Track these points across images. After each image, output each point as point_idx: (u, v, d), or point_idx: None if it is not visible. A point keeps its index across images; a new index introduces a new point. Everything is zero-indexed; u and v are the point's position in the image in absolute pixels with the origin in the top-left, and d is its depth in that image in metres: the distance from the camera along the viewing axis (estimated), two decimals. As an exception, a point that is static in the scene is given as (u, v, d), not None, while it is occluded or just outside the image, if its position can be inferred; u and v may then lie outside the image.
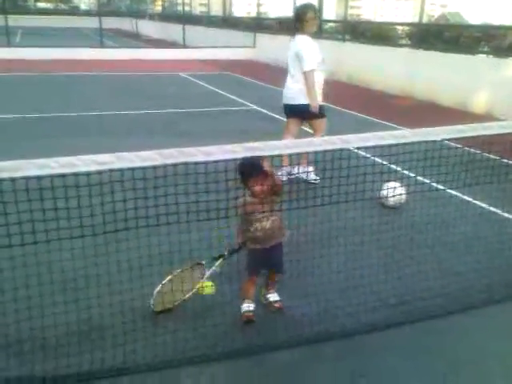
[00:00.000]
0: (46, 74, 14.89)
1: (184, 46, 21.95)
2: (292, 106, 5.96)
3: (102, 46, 20.44)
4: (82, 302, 2.80)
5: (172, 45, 24.04)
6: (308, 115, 5.90)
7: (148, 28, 33.73)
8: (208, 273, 3.26)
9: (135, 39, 30.85)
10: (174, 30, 25.97)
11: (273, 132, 8.60)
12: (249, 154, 2.87)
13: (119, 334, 2.84)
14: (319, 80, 5.89)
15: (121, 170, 2.61)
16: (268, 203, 3.03)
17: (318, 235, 3.44)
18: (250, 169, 2.97)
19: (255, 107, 11.05)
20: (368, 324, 3.16)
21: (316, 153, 2.99)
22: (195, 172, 2.79)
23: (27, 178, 2.41)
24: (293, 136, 5.88)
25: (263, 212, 3.02)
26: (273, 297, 3.31)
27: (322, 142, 3.05)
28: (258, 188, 2.99)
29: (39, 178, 2.42)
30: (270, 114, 10.36)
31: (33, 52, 18.28)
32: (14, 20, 21.29)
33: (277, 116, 10.06)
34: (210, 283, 3.11)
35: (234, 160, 2.90)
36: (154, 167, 2.65)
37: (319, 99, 5.90)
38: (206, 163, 2.87)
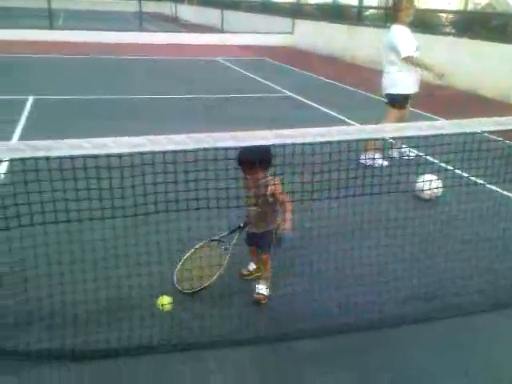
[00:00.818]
0: (87, 56, 15.15)
1: (222, 31, 21.91)
2: (385, 94, 6.25)
3: (141, 29, 20.63)
4: (112, 281, 2.84)
5: (210, 30, 24.04)
6: (390, 103, 6.11)
7: (187, 12, 33.84)
8: (231, 245, 3.30)
9: (174, 23, 30.99)
10: (212, 15, 25.95)
11: (309, 120, 8.52)
12: (279, 141, 2.84)
13: (147, 314, 2.88)
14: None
15: (152, 153, 2.63)
16: (254, 196, 3.04)
17: (350, 227, 3.38)
18: (243, 157, 2.98)
19: (292, 94, 10.94)
20: (397, 317, 3.10)
21: (349, 142, 2.92)
22: (225, 158, 2.77)
23: (61, 158, 2.45)
24: (398, 120, 5.94)
25: (248, 197, 3.09)
26: (258, 288, 3.26)
27: (355, 131, 2.99)
28: (244, 177, 3.03)
29: (72, 157, 2.46)
30: (306, 101, 10.25)
31: (74, 35, 18.60)
32: (57, 3, 21.69)
33: (313, 104, 9.94)
34: (168, 300, 2.95)
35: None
36: (185, 151, 2.67)
37: (415, 88, 6.09)
38: (236, 149, 2.86)
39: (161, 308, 2.86)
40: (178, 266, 3.24)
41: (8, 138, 6.56)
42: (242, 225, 3.33)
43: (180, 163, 2.70)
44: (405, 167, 3.33)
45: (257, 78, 13.03)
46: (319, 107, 9.68)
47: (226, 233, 3.38)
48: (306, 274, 3.29)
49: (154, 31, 22.41)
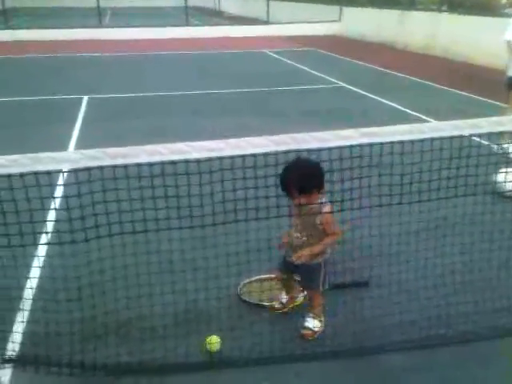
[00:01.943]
0: (135, 53, 15.26)
1: (267, 23, 21.65)
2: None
3: (187, 24, 20.63)
4: (189, 294, 2.71)
5: (254, 21, 23.81)
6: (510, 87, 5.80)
7: (230, 5, 33.70)
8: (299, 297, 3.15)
9: (218, 17, 30.95)
10: (255, 7, 25.68)
11: (367, 111, 8.20)
12: (366, 140, 2.62)
13: (225, 328, 2.74)
14: None
15: (231, 158, 2.47)
16: (301, 225, 2.74)
17: (432, 232, 3.11)
18: (288, 178, 2.61)
19: (344, 85, 10.61)
20: (493, 329, 2.84)
21: (433, 140, 2.66)
22: (308, 160, 2.58)
23: (139, 165, 2.34)
24: None
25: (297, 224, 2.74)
26: (306, 321, 2.87)
27: (449, 127, 2.72)
28: (294, 201, 2.66)
29: (150, 164, 2.34)
30: (359, 91, 9.90)
31: (122, 32, 18.85)
32: (104, 1, 21.96)
33: (368, 94, 9.58)
34: (216, 340, 2.68)
35: (350, 146, 2.66)
36: (266, 154, 2.50)
37: None
38: (319, 150, 2.65)
39: (209, 347, 2.65)
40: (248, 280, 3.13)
41: (67, 138, 6.61)
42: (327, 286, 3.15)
43: (260, 167, 2.52)
44: (492, 166, 3.02)
45: (306, 68, 12.75)
46: (375, 97, 9.32)
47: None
48: (392, 285, 3.06)
49: (200, 25, 22.40)
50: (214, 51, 15.89)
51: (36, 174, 2.27)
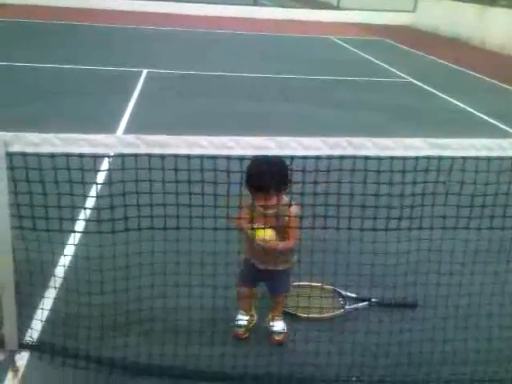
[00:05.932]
0: (198, 29, 15.07)
1: (337, 8, 20.92)
2: None
3: (254, 3, 20.24)
4: (219, 301, 2.49)
5: (324, 5, 23.10)
6: None
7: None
8: (346, 308, 3.00)
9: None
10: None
11: (432, 111, 7.66)
12: (435, 152, 2.30)
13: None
14: None
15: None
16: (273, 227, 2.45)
17: (494, 254, 2.74)
18: (258, 177, 2.39)
19: (412, 80, 10.01)
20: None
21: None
22: (365, 169, 2.27)
23: (176, 156, 2.13)
24: None
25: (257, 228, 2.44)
26: (276, 326, 2.73)
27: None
28: (260, 203, 2.44)
29: (188, 157, 2.13)
30: (429, 89, 9.29)
31: (190, 7, 18.68)
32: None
33: (437, 92, 8.97)
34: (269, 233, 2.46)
35: (416, 158, 2.33)
36: (317, 158, 2.23)
37: None
38: (379, 159, 2.34)
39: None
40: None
41: (120, 113, 6.54)
42: (373, 299, 3.03)
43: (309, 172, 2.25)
44: None
45: (373, 59, 12.18)
46: (446, 97, 8.72)
47: (352, 295, 3.04)
48: (438, 308, 2.71)
49: (268, 6, 21.96)
50: (279, 34, 15.50)
51: (67, 155, 2.11)
